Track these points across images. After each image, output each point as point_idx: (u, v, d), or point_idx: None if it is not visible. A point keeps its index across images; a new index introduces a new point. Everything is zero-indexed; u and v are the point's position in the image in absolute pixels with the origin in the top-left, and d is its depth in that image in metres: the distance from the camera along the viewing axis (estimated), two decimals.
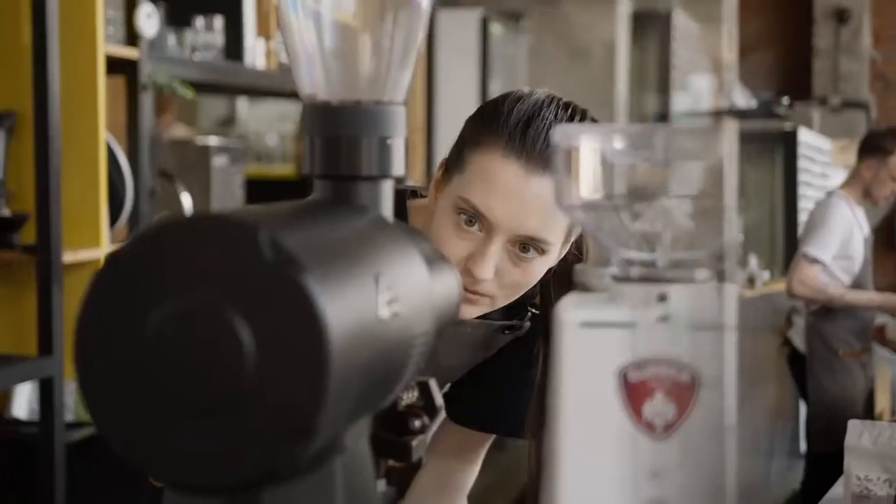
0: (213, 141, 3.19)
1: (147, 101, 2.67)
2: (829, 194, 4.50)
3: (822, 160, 7.45)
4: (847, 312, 4.33)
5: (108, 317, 0.63)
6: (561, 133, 0.72)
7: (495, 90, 5.72)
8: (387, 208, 0.81)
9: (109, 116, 2.59)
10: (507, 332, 1.39)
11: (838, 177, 8.32)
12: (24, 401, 2.60)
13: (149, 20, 2.63)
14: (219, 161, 3.03)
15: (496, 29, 5.00)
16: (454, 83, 4.91)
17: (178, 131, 4.05)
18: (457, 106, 4.57)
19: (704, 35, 7.84)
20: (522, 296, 1.34)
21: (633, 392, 0.68)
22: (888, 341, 4.76)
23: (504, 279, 1.26)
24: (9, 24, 2.46)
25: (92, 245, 2.51)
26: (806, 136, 7.07)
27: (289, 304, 0.60)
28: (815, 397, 4.34)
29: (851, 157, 8.33)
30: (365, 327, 0.65)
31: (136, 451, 0.62)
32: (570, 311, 0.70)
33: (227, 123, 5.63)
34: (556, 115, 1.25)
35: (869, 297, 4.42)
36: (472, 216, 1.23)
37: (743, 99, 5.55)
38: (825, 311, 4.37)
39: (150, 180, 2.74)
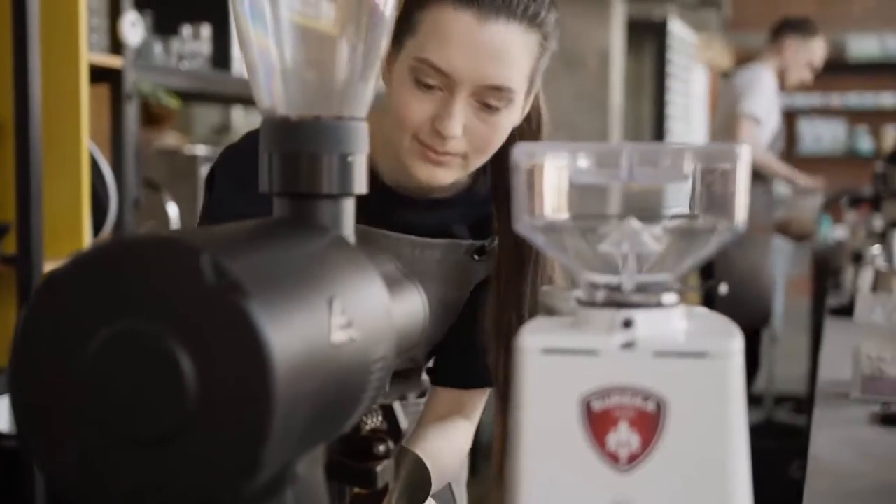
0: (201, 150, 3.17)
1: (132, 111, 2.65)
2: (747, 67, 4.61)
3: (687, 53, 7.62)
4: (759, 188, 4.39)
5: (44, 341, 0.60)
6: (522, 151, 0.69)
7: None
8: (348, 227, 0.79)
9: (93, 125, 2.56)
10: (476, 256, 1.38)
11: (699, 72, 8.51)
12: (5, 413, 2.57)
13: (133, 29, 2.60)
14: (206, 171, 2.99)
15: None
16: None
17: (172, 140, 4.03)
18: None
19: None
20: (486, 216, 1.35)
21: (597, 422, 0.66)
22: (793, 228, 4.90)
23: (473, 136, 1.24)
24: None
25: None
26: (675, 28, 7.15)
27: (231, 330, 0.57)
28: (724, 274, 4.33)
29: (714, 54, 8.49)
30: (315, 354, 0.63)
31: (71, 482, 0.59)
32: (532, 337, 0.67)
33: (221, 131, 5.61)
34: None
35: (789, 171, 4.54)
36: (431, 75, 1.21)
37: None
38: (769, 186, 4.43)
39: (134, 190, 2.71)
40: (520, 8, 1.21)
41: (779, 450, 4.30)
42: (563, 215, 0.70)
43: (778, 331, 5.76)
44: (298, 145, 0.77)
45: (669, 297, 0.69)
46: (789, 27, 4.50)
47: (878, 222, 4.29)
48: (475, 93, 1.22)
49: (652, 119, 7.35)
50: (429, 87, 1.22)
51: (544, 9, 1.23)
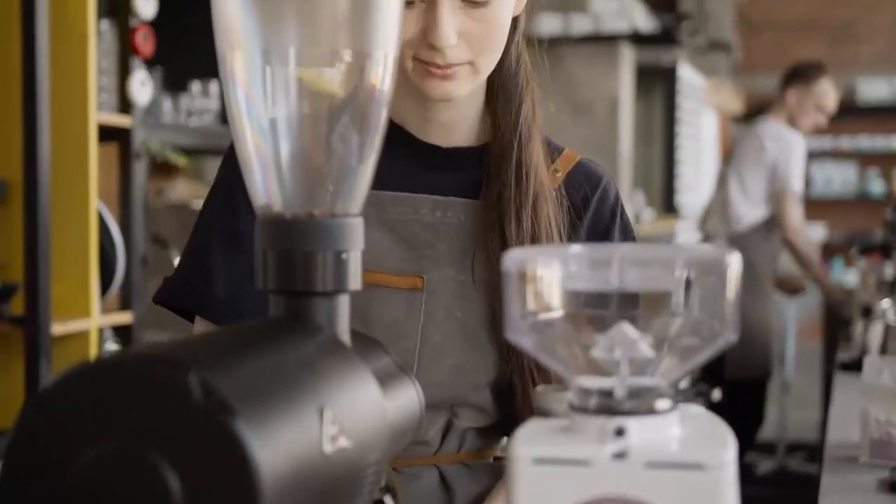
0: None
1: (140, 169, 2.66)
2: (763, 123, 4.56)
3: (697, 97, 7.65)
4: (770, 239, 4.42)
5: (32, 459, 0.60)
6: (513, 258, 0.69)
7: None
8: (342, 324, 0.79)
9: (102, 183, 2.58)
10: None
11: (709, 116, 8.56)
12: None
13: (142, 88, 2.62)
14: None
15: None
16: None
17: (183, 189, 4.04)
18: None
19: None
20: None
21: None
22: (790, 284, 4.92)
23: (471, 39, 1.16)
24: (0, 92, 2.45)
25: (82, 315, 2.48)
26: (685, 73, 7.18)
27: (219, 450, 0.57)
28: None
29: (723, 97, 8.54)
30: (306, 466, 0.62)
31: None
32: (524, 446, 0.67)
33: None
34: None
35: (822, 271, 4.59)
36: None
37: (644, 20, 5.56)
38: (748, 235, 4.42)
39: (142, 248, 2.72)
40: None
41: (791, 499, 4.27)
42: (554, 320, 0.70)
43: (789, 378, 5.74)
44: (293, 243, 0.77)
45: (663, 404, 0.68)
46: (792, 75, 4.53)
47: (889, 270, 4.28)
48: None
49: (661, 164, 7.36)
50: (410, 3, 1.14)
51: None
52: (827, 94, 4.49)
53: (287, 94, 0.78)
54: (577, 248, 0.72)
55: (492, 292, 1.21)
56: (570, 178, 1.29)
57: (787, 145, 4.42)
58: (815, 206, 10.09)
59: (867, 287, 4.34)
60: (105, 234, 2.53)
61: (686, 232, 7.53)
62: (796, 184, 4.33)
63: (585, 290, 0.70)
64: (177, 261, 3.00)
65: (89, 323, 2.50)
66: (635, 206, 6.25)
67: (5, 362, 2.45)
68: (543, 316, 0.70)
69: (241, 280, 1.20)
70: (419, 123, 1.27)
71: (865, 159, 9.97)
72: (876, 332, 2.94)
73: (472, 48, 1.16)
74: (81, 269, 2.47)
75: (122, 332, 2.74)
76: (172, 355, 0.60)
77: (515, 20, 1.25)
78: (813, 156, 10.01)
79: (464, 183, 1.26)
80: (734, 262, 0.67)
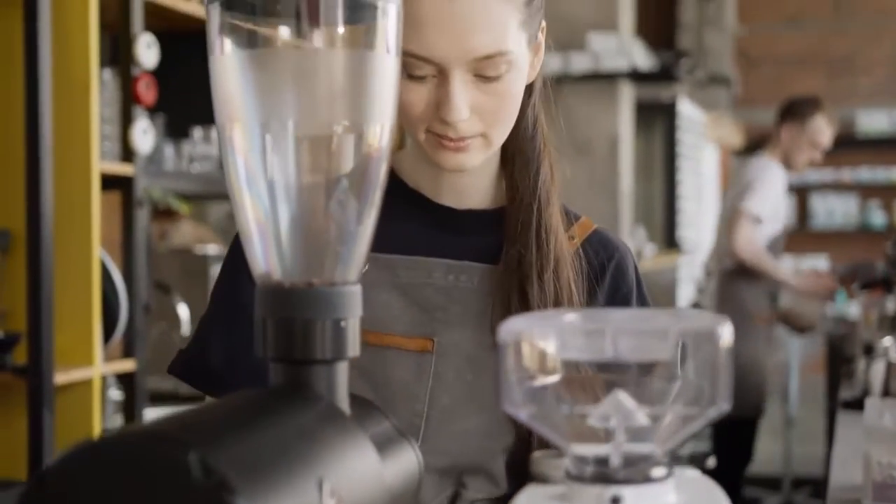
0: (212, 250, 3.19)
1: (142, 217, 2.68)
2: (755, 159, 4.60)
3: (697, 132, 7.67)
4: (760, 279, 4.39)
5: None
6: (508, 330, 0.70)
7: None
8: (341, 391, 0.79)
9: (104, 231, 2.59)
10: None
11: (711, 150, 8.59)
12: None
13: (145, 136, 2.64)
14: (217, 271, 3.02)
15: None
16: None
17: (187, 231, 4.05)
18: None
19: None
20: None
21: None
22: (795, 321, 4.89)
23: (483, 112, 1.15)
24: (2, 142, 2.47)
25: (85, 364, 2.49)
26: (684, 108, 7.21)
27: None
28: None
29: (724, 131, 8.56)
30: None
31: None
32: None
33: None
34: None
35: (795, 281, 4.54)
36: (418, 66, 1.12)
37: (643, 58, 5.58)
38: (741, 272, 4.39)
39: (144, 295, 2.73)
40: None
41: None
42: (550, 390, 0.71)
43: (793, 413, 5.73)
44: (292, 312, 0.78)
45: (658, 472, 0.69)
46: (786, 112, 4.55)
47: (890, 304, 4.28)
48: (469, 68, 1.13)
49: (663, 199, 7.39)
50: (421, 78, 1.13)
51: None
52: (821, 130, 4.50)
53: (285, 165, 0.79)
54: (571, 318, 0.73)
55: None
56: (587, 246, 1.28)
57: (761, 172, 4.43)
58: (817, 239, 10.11)
59: (869, 322, 4.34)
60: (108, 282, 2.55)
61: (687, 267, 7.54)
62: (753, 205, 4.30)
63: (580, 360, 0.71)
64: (180, 306, 3.00)
65: (92, 371, 2.50)
66: (637, 241, 6.26)
67: (8, 413, 2.46)
68: (539, 385, 0.71)
69: (238, 353, 1.20)
70: (433, 187, 1.27)
71: (866, 191, 10.00)
72: (878, 371, 2.93)
73: (484, 121, 1.16)
74: (84, 318, 2.48)
75: (125, 380, 2.75)
76: (172, 433, 0.61)
77: (531, 85, 1.25)
78: (814, 188, 10.05)
79: (478, 246, 1.25)
80: (726, 333, 0.68)
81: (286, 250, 0.80)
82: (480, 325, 1.22)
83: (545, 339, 0.70)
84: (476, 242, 1.26)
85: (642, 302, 1.30)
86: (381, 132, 0.81)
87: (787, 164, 4.51)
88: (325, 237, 0.81)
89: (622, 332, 0.69)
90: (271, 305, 0.79)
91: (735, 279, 4.41)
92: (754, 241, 4.30)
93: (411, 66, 1.12)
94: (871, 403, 1.91)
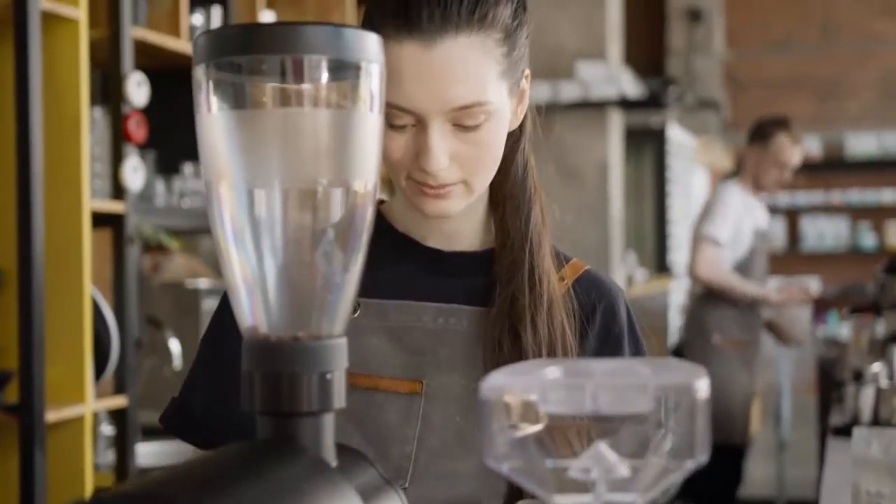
0: (203, 283, 3.20)
1: (133, 254, 2.69)
2: (721, 184, 4.63)
3: (687, 157, 7.70)
4: (729, 301, 4.38)
5: None
6: (490, 383, 0.72)
7: None
8: (327, 442, 0.81)
9: (95, 268, 2.61)
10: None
11: (701, 174, 8.62)
12: None
13: (135, 174, 2.66)
14: (209, 304, 3.03)
15: None
16: None
17: (180, 264, 4.05)
18: None
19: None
20: None
21: None
22: (780, 332, 4.87)
23: (463, 161, 1.16)
24: None
25: (77, 401, 2.49)
26: (674, 133, 7.25)
27: None
28: None
29: (713, 154, 8.57)
30: None
31: None
32: None
33: None
34: None
35: (766, 293, 4.53)
36: (398, 116, 1.14)
37: (631, 86, 5.59)
38: (707, 298, 4.40)
39: (136, 331, 2.74)
40: (462, 18, 1.13)
41: None
42: (531, 443, 0.72)
43: (786, 435, 5.74)
44: (279, 366, 0.80)
45: None
46: (752, 134, 4.57)
47: (880, 328, 4.29)
48: (448, 118, 1.14)
49: (653, 224, 7.42)
50: (401, 127, 1.15)
51: (492, 7, 1.15)
52: (784, 149, 4.44)
53: (272, 221, 0.81)
54: (552, 372, 0.74)
55: None
56: (577, 287, 1.28)
57: (721, 195, 4.45)
58: (808, 261, 10.17)
59: (859, 345, 4.35)
60: (99, 320, 2.56)
61: (678, 291, 7.57)
62: (711, 229, 4.31)
63: (561, 414, 0.72)
64: (171, 341, 3.01)
65: (84, 408, 2.51)
66: (628, 267, 6.29)
67: (1, 450, 2.46)
68: (521, 439, 0.72)
69: (221, 405, 1.21)
70: (422, 230, 1.28)
71: (856, 213, 10.06)
72: (867, 397, 2.95)
73: (464, 169, 1.17)
74: (76, 356, 2.49)
75: (116, 415, 2.76)
76: (158, 492, 0.62)
77: (520, 128, 1.26)
78: (804, 210, 10.10)
79: (467, 288, 1.26)
80: (702, 387, 0.70)
81: (272, 305, 0.82)
82: (470, 368, 1.22)
83: (527, 393, 0.72)
84: (465, 285, 1.27)
85: (635, 342, 1.31)
86: (365, 186, 0.83)
87: (757, 186, 4.48)
88: (311, 291, 0.82)
89: (602, 387, 0.70)
90: (258, 359, 0.80)
91: (703, 304, 4.43)
92: (715, 262, 4.31)
93: (393, 115, 1.13)
94: (859, 433, 1.92)
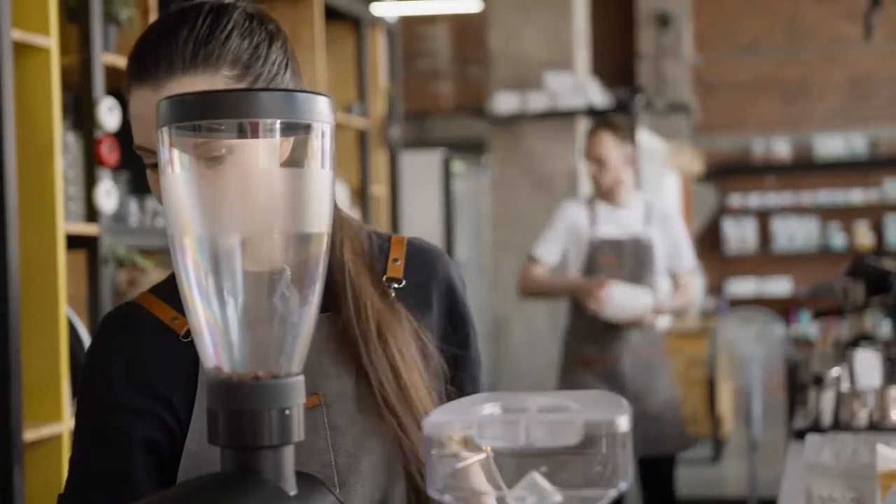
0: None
1: (107, 274, 2.75)
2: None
3: (657, 161, 7.78)
4: (582, 319, 4.15)
5: None
6: (431, 421, 0.78)
7: (461, 224, 5.86)
8: (288, 472, 0.87)
9: (70, 288, 2.66)
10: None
11: (671, 178, 8.72)
12: None
13: (108, 197, 2.71)
14: None
15: (458, 167, 5.12)
16: (419, 221, 5.02)
17: (154, 279, 4.09)
18: None
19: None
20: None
21: None
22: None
23: None
24: None
25: (53, 420, 2.55)
26: (643, 138, 7.34)
27: None
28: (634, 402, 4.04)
29: (683, 158, 8.60)
30: None
31: None
32: None
33: None
34: (184, 17, 1.21)
35: (564, 282, 4.27)
36: (149, 156, 1.20)
37: (599, 96, 5.60)
38: (570, 320, 4.28)
39: None
40: (186, 59, 1.19)
41: None
42: (471, 475, 0.79)
43: (757, 435, 5.82)
44: (241, 404, 0.86)
45: None
46: None
47: (844, 331, 4.37)
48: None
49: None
50: (156, 167, 1.13)
51: (220, 45, 1.21)
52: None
53: (232, 269, 0.87)
54: (489, 409, 0.81)
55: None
56: (409, 263, 1.34)
57: (552, 215, 4.35)
58: (779, 261, 10.29)
59: (826, 345, 4.41)
60: (75, 339, 2.61)
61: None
62: (534, 250, 4.24)
63: (498, 447, 0.79)
64: None
65: (61, 427, 2.57)
66: None
67: None
68: (461, 470, 0.79)
69: (116, 483, 1.22)
70: None
71: (826, 213, 10.18)
72: (828, 401, 3.01)
73: None
74: (52, 375, 2.54)
75: None
76: None
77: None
78: (775, 211, 10.22)
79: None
80: (623, 422, 0.77)
81: (234, 346, 0.88)
82: (348, 368, 1.28)
83: (465, 429, 0.78)
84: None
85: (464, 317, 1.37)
86: (318, 235, 0.90)
87: (597, 190, 4.31)
88: (270, 332, 0.89)
89: (534, 422, 0.77)
90: (221, 398, 0.87)
91: (566, 328, 4.32)
92: (526, 273, 4.23)
93: (146, 157, 1.21)
94: (812, 440, 1.98)
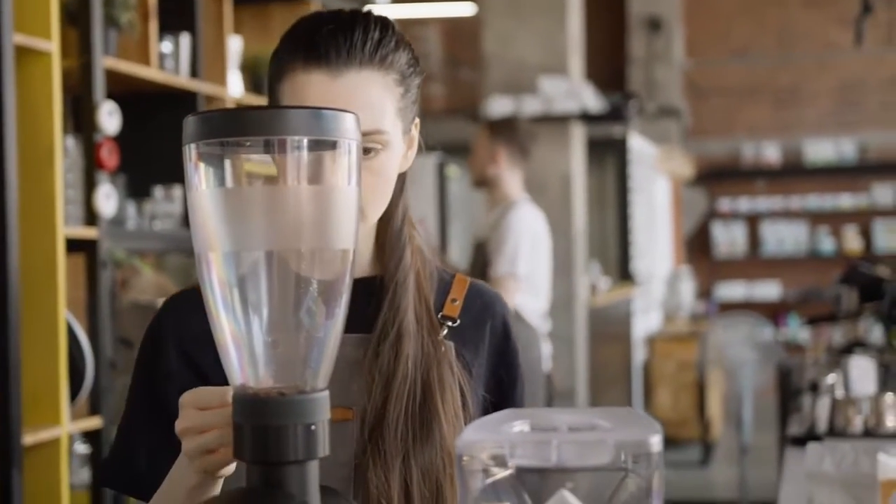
0: None
1: (106, 277, 2.74)
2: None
3: (649, 165, 7.82)
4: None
5: None
6: (463, 441, 0.79)
7: (455, 229, 5.86)
8: (312, 487, 0.87)
9: (69, 292, 2.65)
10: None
11: (662, 182, 8.73)
12: None
13: (107, 200, 2.71)
14: None
15: (452, 171, 5.12)
16: None
17: (149, 279, 4.07)
18: None
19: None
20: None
21: None
22: None
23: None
24: None
25: (53, 424, 2.54)
26: (635, 142, 7.36)
27: None
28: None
29: (674, 162, 8.59)
30: None
31: None
32: None
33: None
34: (355, 17, 1.25)
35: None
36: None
37: (593, 101, 5.61)
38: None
39: (109, 353, 2.79)
40: (366, 55, 1.23)
41: None
42: (502, 493, 0.79)
43: (747, 439, 5.83)
44: (267, 419, 0.86)
45: None
46: None
47: (837, 336, 4.37)
48: None
49: (616, 232, 7.52)
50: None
51: (391, 51, 1.25)
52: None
53: (257, 286, 0.88)
54: (518, 428, 0.81)
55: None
56: (467, 304, 1.35)
57: (504, 223, 4.21)
58: (768, 266, 10.32)
59: (818, 351, 4.42)
60: (73, 343, 2.61)
61: (642, 298, 7.67)
62: (500, 268, 4.04)
63: (529, 466, 0.79)
64: None
65: (60, 430, 2.56)
66: (591, 276, 6.37)
67: None
68: (491, 488, 0.79)
69: (162, 455, 1.21)
70: None
71: (815, 218, 10.21)
72: (823, 407, 3.01)
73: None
74: (51, 379, 2.54)
75: (91, 437, 2.80)
76: None
77: (402, 176, 1.32)
78: (765, 216, 10.25)
79: (359, 317, 1.27)
80: (656, 442, 0.77)
81: (260, 362, 0.88)
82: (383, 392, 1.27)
83: (497, 448, 0.79)
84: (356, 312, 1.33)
85: (514, 360, 1.38)
86: (344, 248, 0.90)
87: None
88: (296, 349, 0.89)
89: (566, 442, 0.78)
90: (247, 413, 0.87)
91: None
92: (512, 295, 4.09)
93: None
94: (813, 448, 1.99)
